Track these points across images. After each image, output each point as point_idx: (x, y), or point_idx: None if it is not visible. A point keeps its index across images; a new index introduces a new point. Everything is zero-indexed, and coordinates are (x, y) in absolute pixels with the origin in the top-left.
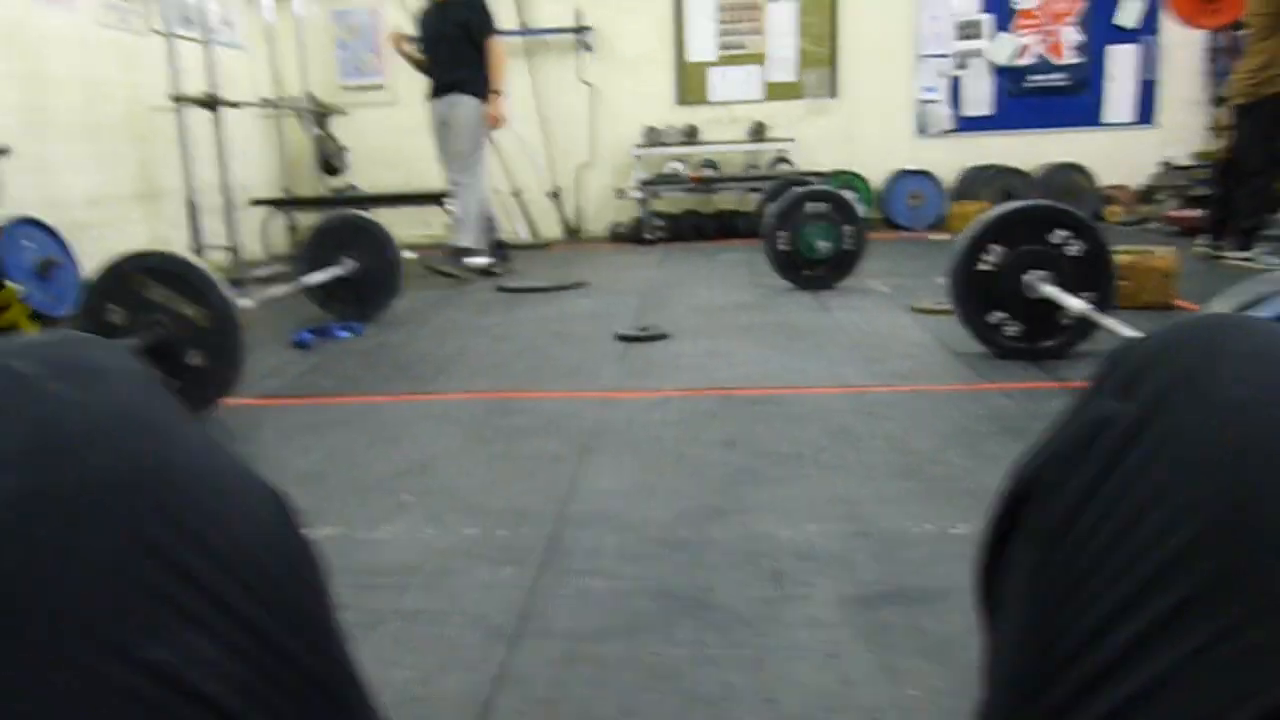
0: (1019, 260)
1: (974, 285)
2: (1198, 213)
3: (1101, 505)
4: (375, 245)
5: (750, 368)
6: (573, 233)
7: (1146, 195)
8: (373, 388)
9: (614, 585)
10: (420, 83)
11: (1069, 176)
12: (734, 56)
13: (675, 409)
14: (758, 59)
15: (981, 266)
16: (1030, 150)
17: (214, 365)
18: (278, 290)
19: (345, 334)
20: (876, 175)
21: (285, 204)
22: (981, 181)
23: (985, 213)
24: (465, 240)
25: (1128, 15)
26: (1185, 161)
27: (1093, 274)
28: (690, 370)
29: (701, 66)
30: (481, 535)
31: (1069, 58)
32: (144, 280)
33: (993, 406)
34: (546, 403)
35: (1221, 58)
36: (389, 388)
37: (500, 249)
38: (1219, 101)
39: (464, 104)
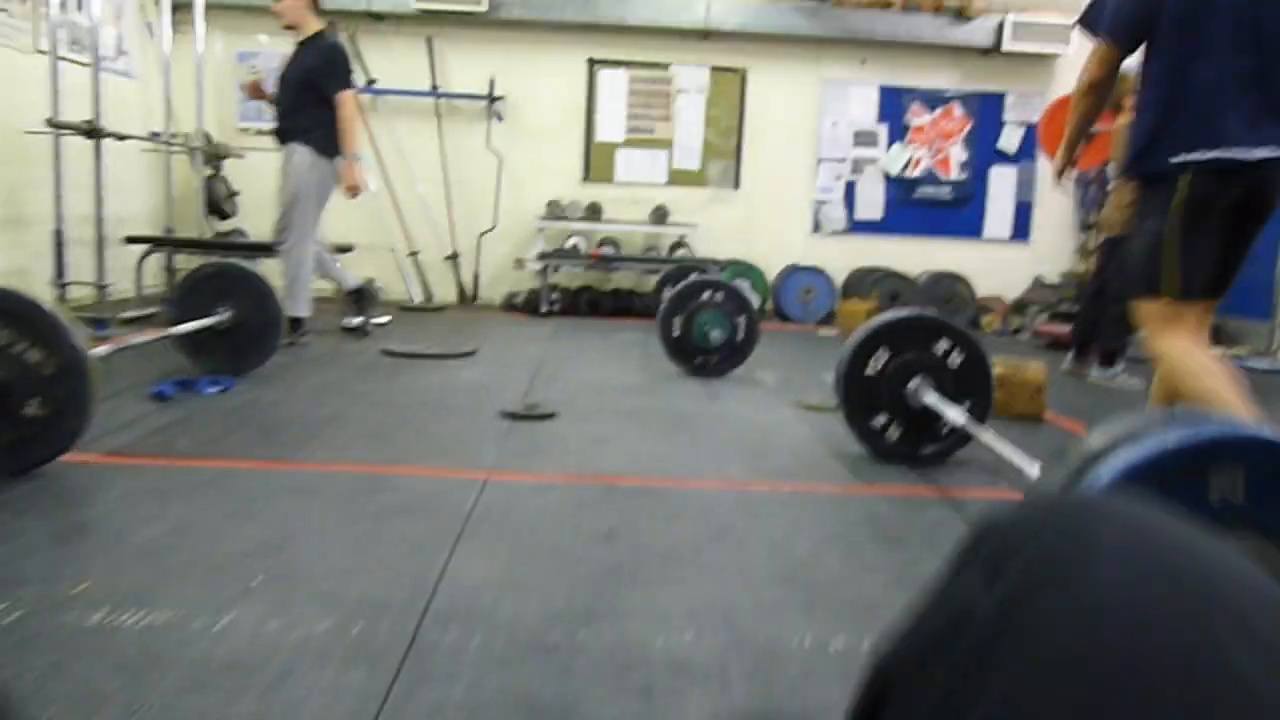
0: (904, 367)
1: (860, 388)
2: (1065, 329)
3: (960, 707)
4: (255, 297)
5: (636, 456)
6: (468, 299)
7: (1019, 307)
8: (234, 451)
9: (474, 695)
10: None
11: (950, 285)
12: (642, 140)
13: (556, 496)
14: (665, 144)
15: (868, 371)
16: (916, 256)
17: (57, 417)
18: (141, 337)
19: (213, 389)
20: (772, 267)
21: (163, 244)
22: (870, 282)
23: (874, 319)
24: (295, 309)
25: (1009, 141)
26: (1054, 279)
27: (972, 384)
28: (575, 454)
29: (609, 146)
30: (334, 629)
31: (955, 174)
32: None
33: (872, 512)
34: (421, 481)
35: (1090, 188)
36: (252, 452)
37: (358, 298)
38: (1086, 227)
39: (295, 154)
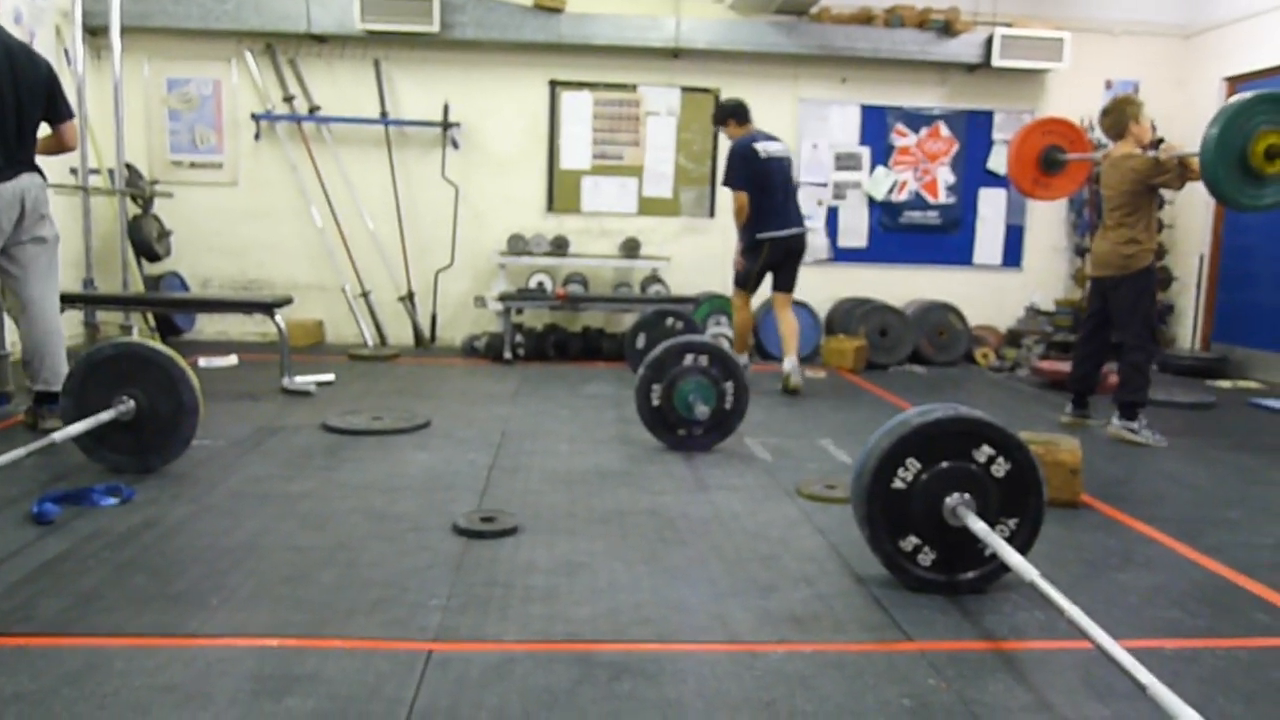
0: (938, 480)
1: (885, 505)
2: (1063, 365)
3: None
4: (164, 383)
5: (616, 597)
6: (425, 342)
7: (1013, 338)
8: (112, 616)
9: None
10: (262, 164)
11: (942, 315)
12: (609, 167)
13: (517, 682)
14: (634, 171)
15: (895, 485)
16: (903, 285)
17: None
18: (17, 452)
19: (108, 501)
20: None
21: (78, 301)
22: (856, 316)
23: (900, 421)
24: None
25: (998, 161)
26: (1048, 307)
27: (1020, 499)
28: (541, 600)
29: (575, 174)
30: None
31: (943, 197)
32: None
33: (918, 689)
34: (346, 660)
35: (1084, 210)
36: (135, 620)
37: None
38: (1080, 252)
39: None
